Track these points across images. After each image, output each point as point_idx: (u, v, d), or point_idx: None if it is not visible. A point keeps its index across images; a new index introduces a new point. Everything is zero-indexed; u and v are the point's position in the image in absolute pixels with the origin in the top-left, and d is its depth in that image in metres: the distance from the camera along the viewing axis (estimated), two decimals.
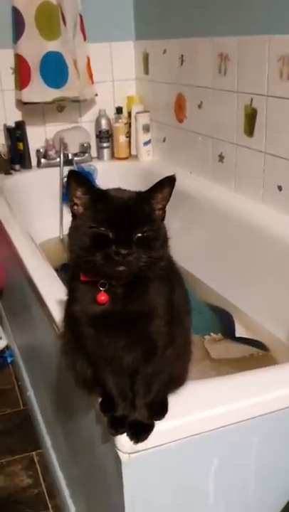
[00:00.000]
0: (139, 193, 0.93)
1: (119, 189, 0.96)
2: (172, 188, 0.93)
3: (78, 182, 0.91)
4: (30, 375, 2.18)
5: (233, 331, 2.06)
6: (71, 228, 0.92)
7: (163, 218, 0.95)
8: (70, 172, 0.91)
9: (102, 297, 0.92)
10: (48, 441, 1.88)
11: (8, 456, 1.93)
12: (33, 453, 1.94)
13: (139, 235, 0.88)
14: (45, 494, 1.78)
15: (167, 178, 0.92)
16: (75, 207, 0.92)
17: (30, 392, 2.12)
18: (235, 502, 1.19)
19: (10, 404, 2.20)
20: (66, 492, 1.66)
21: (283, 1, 1.89)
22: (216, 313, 2.19)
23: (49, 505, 1.74)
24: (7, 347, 2.50)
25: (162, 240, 0.92)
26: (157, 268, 0.91)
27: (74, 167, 2.96)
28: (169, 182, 0.92)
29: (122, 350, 0.96)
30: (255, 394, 1.12)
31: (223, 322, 2.12)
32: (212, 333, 2.04)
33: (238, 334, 2.05)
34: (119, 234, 0.87)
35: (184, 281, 1.09)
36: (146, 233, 0.89)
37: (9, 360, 2.45)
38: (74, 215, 0.92)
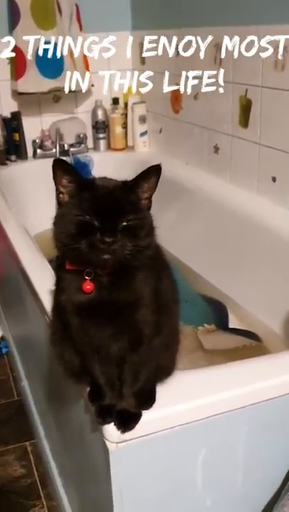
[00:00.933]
0: (124, 182, 0.93)
1: (105, 178, 0.96)
2: (158, 177, 0.92)
3: (64, 170, 0.90)
4: (24, 366, 2.19)
5: (227, 322, 2.07)
6: (56, 216, 0.92)
7: (149, 208, 0.94)
8: (56, 160, 0.90)
9: (88, 286, 0.91)
10: (41, 431, 1.89)
11: (1, 446, 1.94)
12: (27, 443, 1.95)
13: (125, 223, 0.88)
14: (38, 484, 1.79)
15: (153, 166, 0.92)
16: (61, 195, 0.92)
17: (25, 383, 2.13)
18: (223, 492, 1.19)
19: (4, 394, 2.20)
20: (58, 481, 1.67)
21: None
22: (209, 305, 2.20)
23: (41, 494, 1.75)
24: (2, 338, 2.50)
25: (148, 229, 0.92)
26: (143, 257, 0.91)
27: (70, 158, 2.95)
28: (155, 171, 0.92)
29: (108, 339, 0.96)
30: (244, 383, 1.12)
31: (217, 313, 2.13)
32: (205, 324, 2.04)
33: (231, 325, 2.05)
34: (104, 222, 0.87)
35: (173, 270, 1.09)
36: (131, 222, 0.89)
37: (4, 351, 2.45)
38: (59, 204, 0.92)
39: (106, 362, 0.99)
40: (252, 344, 1.92)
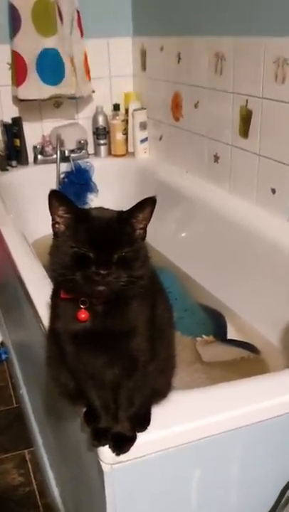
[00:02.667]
0: (120, 213, 0.94)
1: (101, 208, 0.96)
2: (153, 208, 0.93)
3: (60, 201, 0.91)
4: (23, 373, 2.19)
5: (225, 332, 2.07)
6: (52, 247, 0.93)
7: (143, 238, 0.95)
8: (52, 191, 0.91)
9: (83, 315, 0.93)
10: (39, 439, 1.89)
11: (0, 454, 1.94)
12: (25, 451, 1.95)
13: (119, 255, 0.89)
14: (36, 493, 1.79)
15: (148, 198, 0.93)
16: (57, 225, 0.92)
17: (23, 390, 2.13)
18: (217, 509, 1.20)
19: (3, 401, 2.20)
20: (56, 491, 1.68)
21: (279, 3, 1.88)
22: (208, 314, 2.20)
23: (39, 503, 1.75)
24: (2, 343, 2.50)
25: (142, 259, 0.93)
26: (137, 287, 0.92)
27: (71, 164, 2.96)
28: (150, 202, 0.93)
29: (103, 366, 0.97)
30: (240, 404, 1.13)
31: (216, 324, 2.13)
32: (204, 335, 2.05)
33: (229, 336, 2.06)
34: (99, 254, 0.88)
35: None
36: (126, 254, 0.90)
37: (3, 357, 2.45)
38: (55, 234, 0.93)
39: (101, 387, 1.00)
40: (250, 356, 1.92)
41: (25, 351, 2.08)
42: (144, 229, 0.95)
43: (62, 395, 1.08)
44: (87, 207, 0.95)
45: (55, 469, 1.73)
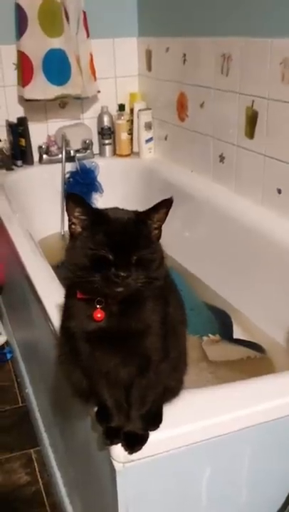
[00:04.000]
0: (137, 214, 0.94)
1: (117, 209, 0.97)
2: (168, 209, 0.94)
3: (76, 202, 0.92)
4: (29, 372, 2.19)
5: (231, 332, 2.08)
6: (69, 248, 0.94)
7: (159, 237, 0.96)
8: (69, 194, 0.92)
9: (99, 314, 0.93)
10: (46, 439, 1.90)
11: (6, 453, 1.95)
12: (31, 450, 1.95)
13: (138, 257, 0.90)
14: (43, 492, 1.79)
15: (165, 200, 0.94)
16: (73, 226, 0.93)
17: (29, 390, 2.14)
18: (227, 507, 1.21)
19: (9, 401, 2.21)
20: (63, 491, 1.68)
21: (286, 4, 1.89)
22: (214, 314, 2.21)
23: (46, 503, 1.76)
24: (7, 343, 2.50)
25: (159, 260, 0.94)
26: (153, 287, 0.93)
27: (76, 163, 2.97)
28: (167, 204, 0.94)
29: (116, 365, 0.98)
30: (250, 404, 1.13)
31: (222, 323, 2.14)
32: (210, 335, 2.05)
33: (235, 336, 2.07)
34: (118, 257, 0.89)
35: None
36: (144, 255, 0.91)
37: (9, 356, 2.46)
38: (72, 235, 0.94)
39: (114, 386, 1.01)
40: (256, 356, 1.93)
41: (31, 350, 2.08)
42: (159, 229, 0.96)
43: (75, 392, 1.08)
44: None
45: (62, 469, 1.73)
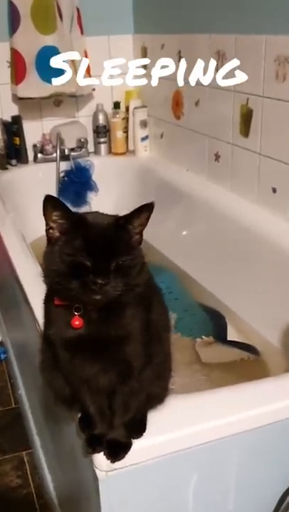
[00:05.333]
0: (117, 219, 0.91)
1: (96, 214, 0.94)
2: (150, 213, 0.91)
3: (54, 206, 0.89)
4: (22, 374, 2.18)
5: (225, 334, 2.05)
6: (47, 253, 0.91)
7: (140, 243, 0.93)
8: (46, 196, 0.88)
9: (77, 322, 0.91)
10: (37, 441, 1.88)
11: None
12: (24, 453, 1.93)
13: (117, 264, 0.87)
14: (34, 495, 1.77)
15: (146, 205, 0.91)
16: (51, 231, 0.90)
17: (22, 391, 2.12)
18: None
19: (2, 402, 2.19)
20: (54, 494, 1.67)
21: (281, 1, 1.85)
22: (209, 315, 2.18)
23: (37, 506, 1.74)
24: (1, 343, 2.49)
25: (139, 267, 0.91)
26: (133, 294, 0.90)
27: (71, 162, 2.94)
28: (147, 208, 0.91)
29: (97, 373, 0.95)
30: (237, 410, 1.11)
31: (216, 324, 2.11)
32: (204, 336, 2.03)
33: (230, 337, 2.04)
34: (97, 263, 0.86)
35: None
36: (123, 262, 0.88)
37: (2, 357, 2.44)
38: (49, 239, 0.91)
39: (96, 393, 0.98)
40: (250, 358, 1.90)
41: (23, 351, 2.07)
42: (140, 234, 0.93)
43: (57, 400, 1.06)
44: (86, 206, 0.93)
45: (52, 472, 1.71)
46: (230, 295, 2.22)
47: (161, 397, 1.07)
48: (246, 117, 2.12)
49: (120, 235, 0.90)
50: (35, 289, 1.54)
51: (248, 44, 2.04)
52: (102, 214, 0.94)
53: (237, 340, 2.00)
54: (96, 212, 0.95)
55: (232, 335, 2.05)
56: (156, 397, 1.06)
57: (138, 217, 0.91)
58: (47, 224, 0.90)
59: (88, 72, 2.87)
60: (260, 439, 1.13)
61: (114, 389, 0.97)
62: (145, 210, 0.91)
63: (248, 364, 1.88)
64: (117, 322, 0.92)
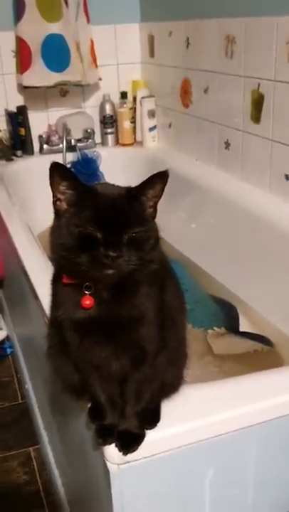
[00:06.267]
0: (129, 190, 0.86)
1: (107, 184, 0.89)
2: (164, 184, 0.85)
3: (62, 175, 0.83)
4: (28, 368, 2.14)
5: (238, 325, 1.99)
6: (54, 226, 0.85)
7: (154, 217, 0.87)
8: (53, 164, 0.83)
9: (88, 301, 0.85)
10: (45, 437, 1.83)
11: (5, 451, 1.89)
12: (31, 448, 1.89)
13: (129, 236, 0.81)
14: (41, 492, 1.73)
15: (159, 173, 0.85)
16: (58, 202, 0.84)
17: (29, 385, 2.08)
18: None
19: (8, 397, 2.15)
20: (62, 491, 1.62)
21: None
22: (220, 306, 2.12)
23: (44, 502, 1.69)
24: (7, 338, 2.45)
25: (153, 241, 0.85)
26: (148, 271, 0.84)
27: (77, 153, 2.89)
28: (160, 178, 0.85)
29: (109, 358, 0.89)
30: (255, 400, 1.05)
31: (227, 316, 2.05)
32: (215, 328, 1.97)
33: (242, 328, 1.98)
34: (108, 235, 0.80)
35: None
36: (137, 234, 0.82)
37: (9, 351, 2.40)
38: (56, 212, 0.85)
39: (107, 380, 0.93)
40: (263, 349, 1.85)
41: (30, 345, 2.02)
42: (155, 207, 0.87)
43: (65, 389, 1.01)
44: None
45: (60, 468, 1.67)
46: (241, 286, 2.16)
47: (176, 385, 1.01)
48: (257, 103, 2.06)
49: (133, 205, 0.84)
50: (42, 281, 1.49)
51: (259, 27, 1.99)
52: (113, 185, 0.89)
53: (250, 331, 1.95)
54: (106, 183, 0.90)
55: (244, 326, 1.99)
56: (171, 386, 1.00)
57: (152, 187, 0.85)
58: (54, 195, 0.85)
59: (95, 61, 2.82)
60: (278, 430, 1.08)
61: (126, 376, 0.91)
62: (159, 180, 0.85)
63: (262, 355, 1.83)
64: (130, 302, 0.86)
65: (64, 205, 0.84)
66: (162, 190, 0.85)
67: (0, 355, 2.38)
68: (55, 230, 0.85)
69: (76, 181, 0.84)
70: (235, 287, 2.19)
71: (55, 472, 1.69)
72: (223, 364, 1.80)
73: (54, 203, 0.85)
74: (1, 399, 2.14)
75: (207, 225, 2.44)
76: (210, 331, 1.96)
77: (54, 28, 2.63)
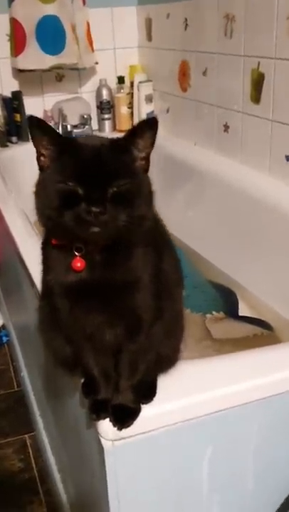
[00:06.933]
0: (114, 140, 0.81)
1: (91, 137, 0.84)
2: (154, 132, 0.80)
3: (42, 130, 0.78)
4: (24, 356, 2.11)
5: (237, 309, 1.96)
6: (37, 184, 0.81)
7: (146, 170, 0.82)
8: (31, 118, 0.78)
9: (78, 264, 0.80)
10: (40, 423, 1.80)
11: (0, 439, 1.85)
12: (26, 436, 1.86)
13: (115, 189, 0.76)
14: (37, 479, 1.70)
15: (145, 121, 0.80)
16: (42, 158, 0.80)
17: (24, 373, 2.04)
18: (231, 494, 1.08)
19: (4, 385, 2.12)
20: (57, 477, 1.58)
21: None
22: (219, 292, 2.08)
23: (40, 490, 1.66)
24: (3, 326, 2.42)
25: (145, 195, 0.80)
26: (141, 229, 0.79)
27: None
28: (150, 125, 0.79)
29: (102, 326, 0.84)
30: (254, 375, 1.01)
31: (226, 300, 2.01)
32: (214, 312, 1.93)
33: (241, 313, 1.94)
34: (90, 189, 0.75)
35: (179, 254, 0.97)
36: (123, 187, 0.76)
37: (5, 339, 2.37)
38: (41, 168, 0.81)
39: (100, 351, 0.88)
40: (263, 333, 1.80)
41: (26, 333, 1.99)
42: (147, 159, 0.81)
43: (57, 363, 0.96)
44: None
45: (56, 454, 1.63)
46: (240, 271, 2.12)
47: (172, 359, 0.97)
48: (257, 82, 2.01)
49: (118, 157, 0.78)
50: (39, 268, 1.45)
51: (259, 3, 1.93)
52: (99, 137, 0.84)
53: (249, 316, 1.91)
54: (91, 135, 0.85)
55: (244, 311, 1.96)
56: (167, 359, 0.96)
57: (140, 137, 0.79)
58: (37, 151, 0.80)
59: (91, 45, 2.77)
60: (279, 407, 1.03)
61: (120, 346, 0.87)
62: (148, 128, 0.79)
63: (261, 339, 1.78)
64: (125, 264, 0.81)
65: (47, 161, 0.80)
66: (153, 139, 0.80)
67: None
68: (38, 188, 0.80)
69: (56, 136, 0.79)
70: (235, 273, 2.15)
71: (51, 459, 1.65)
72: (222, 348, 1.76)
73: (38, 158, 0.81)
74: None
75: (206, 211, 2.40)
76: (208, 316, 1.91)
77: (49, 9, 2.57)
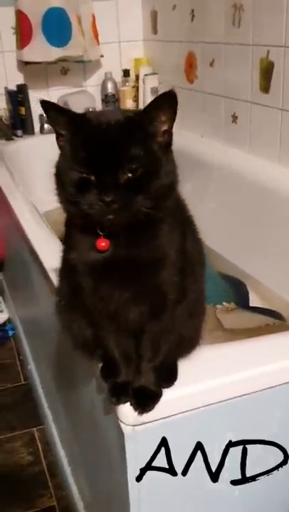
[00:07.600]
0: (130, 117, 0.75)
1: (107, 112, 0.81)
2: (175, 103, 0.75)
3: (56, 111, 0.75)
4: (31, 349, 2.09)
5: (247, 300, 1.93)
6: (56, 165, 0.78)
7: (168, 144, 0.77)
8: (43, 102, 0.75)
9: (103, 243, 0.77)
10: (49, 416, 1.78)
11: (8, 432, 1.84)
12: (34, 429, 1.84)
13: (130, 175, 0.72)
14: (46, 473, 1.67)
15: (165, 93, 0.75)
16: (61, 138, 0.77)
17: (32, 366, 2.02)
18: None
19: (11, 378, 2.10)
20: (68, 470, 1.56)
21: None
22: (229, 283, 2.06)
23: (50, 483, 1.64)
24: (9, 320, 2.40)
25: (165, 175, 0.75)
26: (163, 208, 0.76)
27: None
28: (168, 97, 0.75)
29: (126, 304, 0.82)
30: (278, 359, 0.99)
31: (237, 291, 1.99)
32: (224, 303, 1.91)
33: (252, 304, 1.92)
34: (101, 176, 0.72)
35: (197, 228, 0.95)
36: (138, 171, 0.72)
37: (11, 333, 2.35)
38: (60, 148, 0.78)
39: (122, 331, 0.86)
40: (275, 323, 1.78)
41: (34, 326, 1.97)
42: (169, 133, 0.77)
43: (77, 345, 0.93)
44: None
45: (66, 446, 1.60)
46: (251, 262, 2.10)
47: (194, 342, 0.95)
48: (266, 71, 1.99)
49: (134, 135, 0.73)
50: (52, 259, 1.42)
51: None
52: (116, 111, 0.81)
53: (260, 306, 1.88)
54: (108, 110, 0.81)
55: (255, 302, 1.93)
56: (188, 342, 0.94)
57: (161, 109, 0.74)
58: (55, 132, 0.78)
59: (96, 38, 2.74)
60: None
61: (143, 326, 0.84)
62: (167, 99, 0.74)
63: (273, 329, 1.76)
64: (150, 242, 0.78)
65: (63, 142, 0.77)
66: (174, 110, 0.75)
67: (2, 338, 2.33)
68: (57, 169, 0.78)
69: (70, 116, 0.76)
70: (245, 264, 2.13)
71: (60, 452, 1.63)
72: (234, 338, 1.73)
73: (57, 139, 0.78)
74: (3, 380, 2.09)
75: (214, 202, 2.38)
76: (219, 306, 1.89)
77: (55, 1, 2.55)
